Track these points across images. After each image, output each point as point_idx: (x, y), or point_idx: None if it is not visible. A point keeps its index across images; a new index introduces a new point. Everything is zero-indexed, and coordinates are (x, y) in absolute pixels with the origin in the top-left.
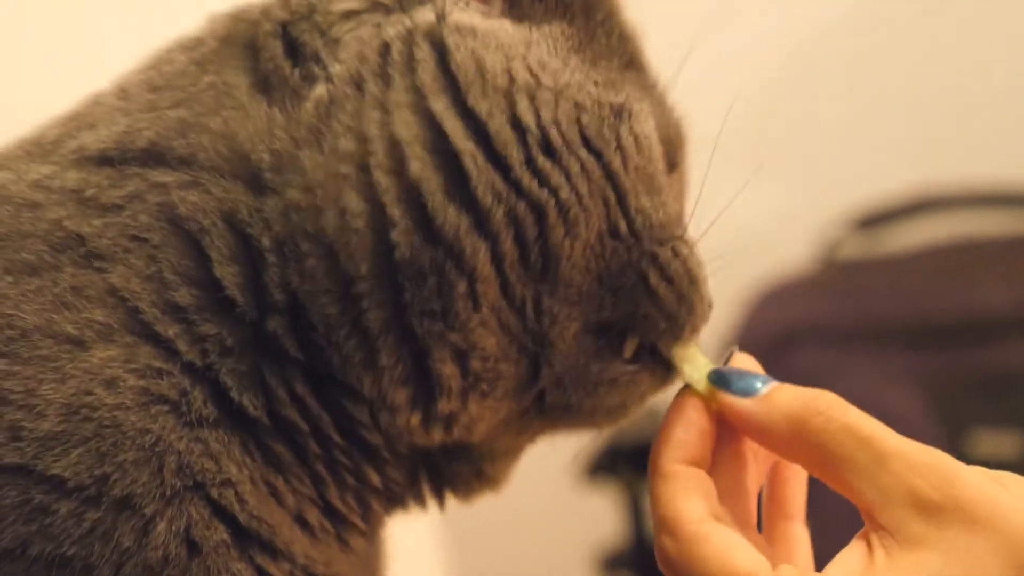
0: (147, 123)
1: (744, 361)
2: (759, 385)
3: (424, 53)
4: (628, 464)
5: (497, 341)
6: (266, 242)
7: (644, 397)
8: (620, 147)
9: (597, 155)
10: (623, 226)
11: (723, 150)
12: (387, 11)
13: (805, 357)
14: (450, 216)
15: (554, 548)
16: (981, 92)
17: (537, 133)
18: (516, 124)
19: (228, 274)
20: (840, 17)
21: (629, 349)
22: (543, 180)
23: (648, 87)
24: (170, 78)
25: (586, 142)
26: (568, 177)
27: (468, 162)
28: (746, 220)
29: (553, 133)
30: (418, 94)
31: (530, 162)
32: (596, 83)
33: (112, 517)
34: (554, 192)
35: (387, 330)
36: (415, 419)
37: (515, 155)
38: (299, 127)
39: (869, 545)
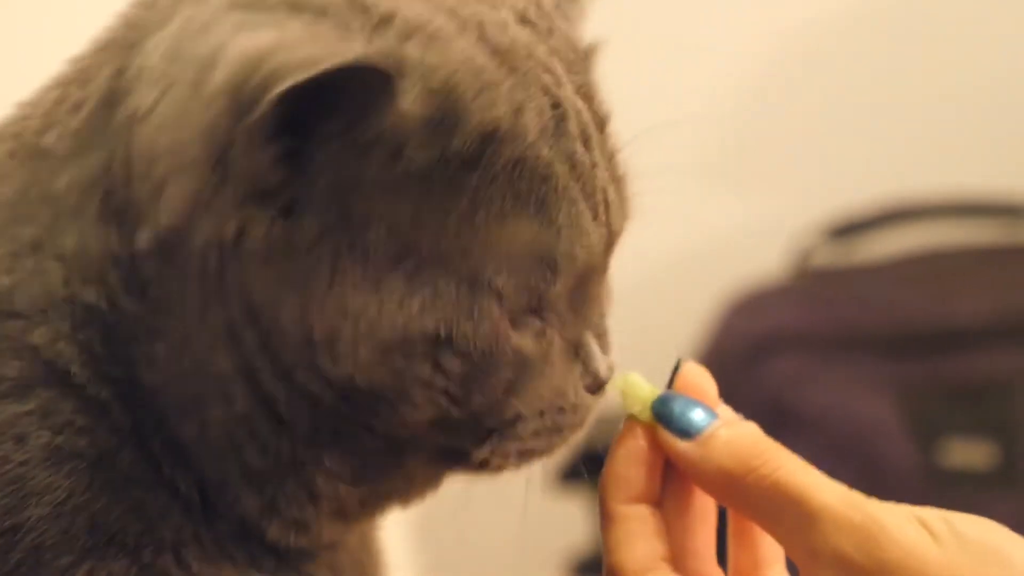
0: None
1: (693, 375)
2: (699, 424)
3: (227, 281)
4: (599, 470)
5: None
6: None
7: None
8: (440, 371)
9: (419, 382)
10: (454, 413)
11: (698, 160)
12: (221, 181)
13: (778, 365)
14: (284, 442)
15: (526, 553)
16: (955, 103)
17: (344, 380)
18: (320, 374)
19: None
20: (815, 29)
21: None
22: (358, 410)
23: (547, 214)
24: (22, 189)
25: (400, 376)
26: (387, 400)
27: (281, 408)
28: (720, 228)
29: (360, 378)
30: (229, 328)
31: (345, 400)
32: (414, 308)
33: (31, 562)
34: (376, 408)
35: (267, 513)
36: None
37: (326, 399)
38: (142, 302)
39: None
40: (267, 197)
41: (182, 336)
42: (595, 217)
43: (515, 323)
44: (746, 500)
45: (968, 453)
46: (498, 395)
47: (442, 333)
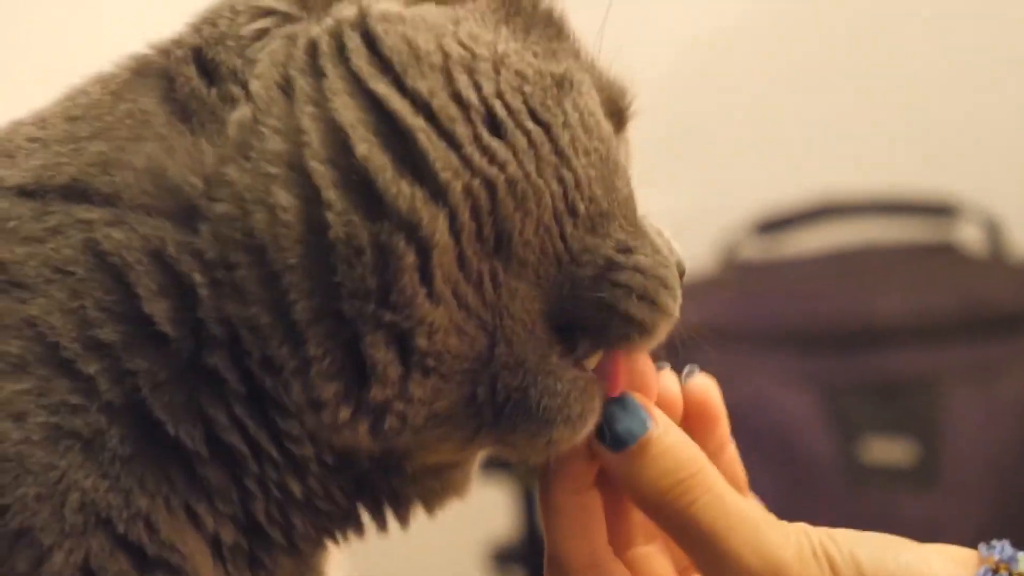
0: (67, 157)
1: (641, 366)
2: (626, 439)
3: (355, 42)
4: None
5: (449, 314)
6: (198, 276)
7: (596, 413)
8: (567, 123)
9: (545, 127)
10: (580, 207)
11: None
12: (295, 21)
13: (703, 358)
14: (403, 189)
15: (446, 541)
16: (881, 101)
17: (481, 107)
18: (459, 99)
19: (159, 310)
20: (742, 20)
21: (584, 350)
22: (492, 156)
23: (579, 55)
24: (86, 108)
25: (532, 114)
26: (516, 152)
27: (422, 139)
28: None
29: (497, 106)
30: (355, 79)
31: (478, 138)
32: (534, 53)
33: (9, 545)
34: (503, 167)
35: (316, 320)
36: (344, 413)
37: (463, 131)
38: (224, 148)
39: None
40: None
41: (279, 114)
42: None
43: None
44: (665, 524)
45: (888, 450)
46: (620, 195)
47: (567, 78)
